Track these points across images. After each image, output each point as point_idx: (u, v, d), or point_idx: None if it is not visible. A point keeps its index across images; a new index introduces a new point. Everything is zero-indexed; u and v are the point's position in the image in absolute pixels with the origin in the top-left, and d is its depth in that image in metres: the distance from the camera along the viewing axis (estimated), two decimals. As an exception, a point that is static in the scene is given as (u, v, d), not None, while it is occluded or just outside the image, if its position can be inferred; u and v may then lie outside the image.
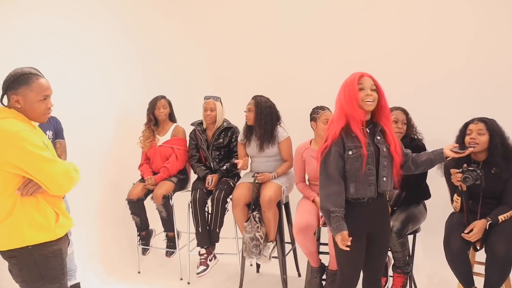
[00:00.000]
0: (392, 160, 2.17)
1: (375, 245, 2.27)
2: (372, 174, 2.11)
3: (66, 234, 1.98)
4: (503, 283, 2.49)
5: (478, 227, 2.49)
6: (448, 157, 2.20)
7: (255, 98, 3.35)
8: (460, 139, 2.64)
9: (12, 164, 1.76)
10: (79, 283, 3.11)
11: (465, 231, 2.53)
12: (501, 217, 2.50)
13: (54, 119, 3.02)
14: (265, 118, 3.27)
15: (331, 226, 2.09)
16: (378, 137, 2.17)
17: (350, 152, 2.10)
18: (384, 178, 2.14)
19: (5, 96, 1.87)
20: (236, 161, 3.38)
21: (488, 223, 2.49)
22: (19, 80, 1.83)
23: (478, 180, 2.40)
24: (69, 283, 3.06)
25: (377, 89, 2.14)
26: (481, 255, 2.74)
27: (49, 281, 1.87)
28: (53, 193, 1.85)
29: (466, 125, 2.64)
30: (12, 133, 1.74)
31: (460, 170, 2.43)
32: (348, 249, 2.05)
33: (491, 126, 2.55)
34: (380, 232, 2.27)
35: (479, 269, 2.78)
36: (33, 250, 1.83)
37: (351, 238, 2.05)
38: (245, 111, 3.36)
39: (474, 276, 2.82)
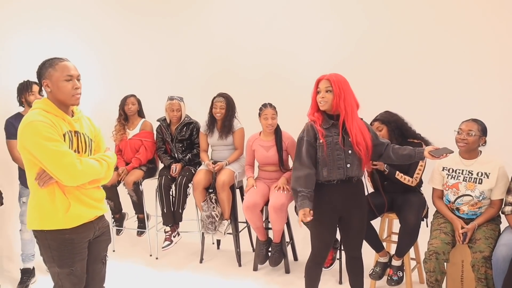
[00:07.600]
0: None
1: (350, 226, 2.53)
2: (341, 159, 2.38)
3: (94, 222, 2.05)
4: (411, 247, 2.97)
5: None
6: (426, 157, 2.43)
7: (224, 96, 3.77)
8: None
9: (29, 151, 1.85)
10: (33, 268, 3.47)
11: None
12: (399, 173, 2.96)
13: None
14: (231, 114, 3.78)
15: (297, 203, 2.34)
16: (343, 129, 2.40)
17: (320, 141, 2.39)
18: (348, 165, 2.39)
19: (43, 88, 1.99)
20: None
21: (385, 166, 2.95)
22: (46, 65, 1.95)
23: None
24: (24, 266, 3.43)
25: (332, 89, 2.36)
26: (397, 227, 3.26)
27: (60, 265, 1.96)
28: (64, 183, 1.89)
29: None
30: (27, 122, 1.85)
31: None
32: (308, 219, 2.29)
33: (384, 119, 3.05)
34: (354, 214, 2.49)
35: (395, 238, 3.29)
36: (47, 234, 1.93)
37: (312, 214, 2.30)
38: (214, 108, 3.74)
39: (391, 244, 3.35)
